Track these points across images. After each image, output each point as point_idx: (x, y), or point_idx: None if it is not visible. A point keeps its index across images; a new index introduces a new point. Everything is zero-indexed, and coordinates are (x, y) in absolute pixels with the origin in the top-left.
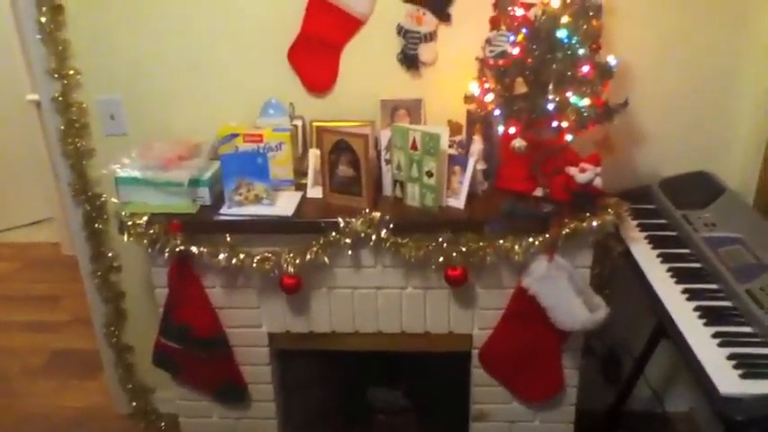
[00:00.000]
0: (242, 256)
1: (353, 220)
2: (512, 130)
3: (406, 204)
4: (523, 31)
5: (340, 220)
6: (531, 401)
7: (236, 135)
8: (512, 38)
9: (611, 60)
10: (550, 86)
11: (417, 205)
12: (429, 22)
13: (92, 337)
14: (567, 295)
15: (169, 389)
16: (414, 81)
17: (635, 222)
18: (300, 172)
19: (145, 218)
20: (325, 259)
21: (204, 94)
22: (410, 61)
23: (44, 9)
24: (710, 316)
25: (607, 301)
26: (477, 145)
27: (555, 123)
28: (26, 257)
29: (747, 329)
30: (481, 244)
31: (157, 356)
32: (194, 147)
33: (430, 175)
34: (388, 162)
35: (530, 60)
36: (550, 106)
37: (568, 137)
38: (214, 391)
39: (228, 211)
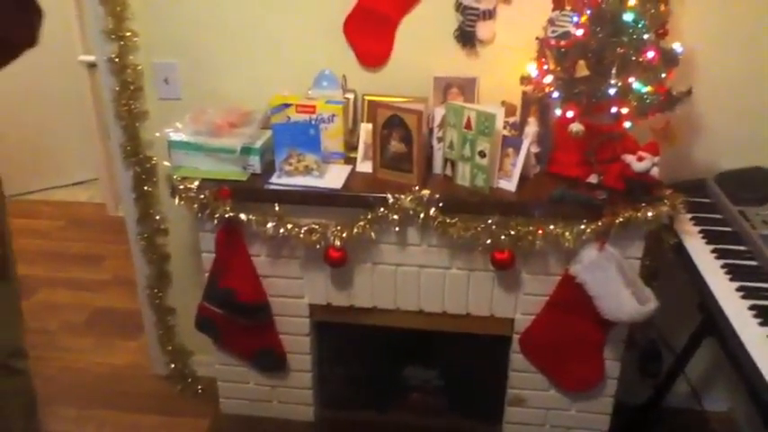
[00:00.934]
0: (289, 226)
1: (402, 196)
2: (569, 114)
3: (456, 184)
4: (588, 12)
5: (389, 195)
6: (570, 391)
7: (288, 105)
8: (576, 19)
9: (678, 47)
10: (613, 71)
11: (468, 185)
12: None
13: (134, 298)
14: (615, 285)
15: (208, 353)
16: (469, 59)
17: (689, 216)
18: (351, 145)
19: (196, 182)
20: (372, 234)
21: (258, 62)
22: (467, 38)
23: None
24: (766, 316)
25: (656, 293)
26: (532, 127)
27: (614, 109)
28: (70, 216)
29: None
30: (531, 228)
31: (200, 321)
32: (246, 114)
33: (483, 155)
34: (440, 140)
35: (593, 43)
36: (612, 91)
37: (627, 124)
38: (253, 358)
39: (278, 181)
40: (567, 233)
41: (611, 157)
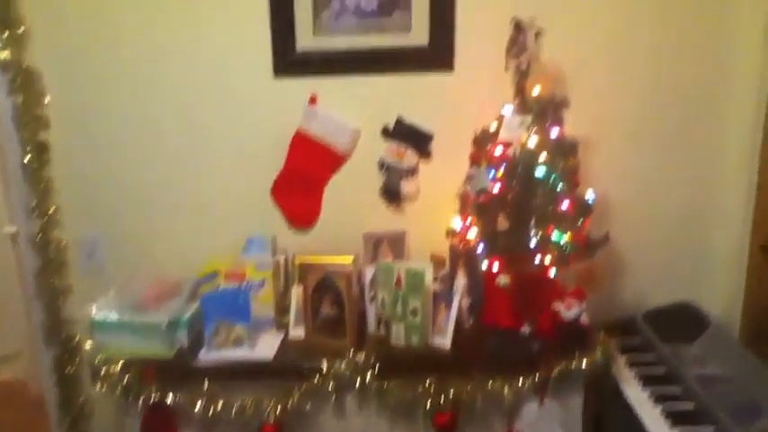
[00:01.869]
0: (220, 404)
1: (337, 363)
2: (495, 267)
3: (392, 343)
4: (503, 167)
5: (323, 364)
6: None
7: (217, 274)
8: (492, 174)
9: (590, 196)
10: (532, 223)
11: (402, 344)
12: (410, 157)
13: None
14: None
15: None
16: (396, 215)
17: (623, 357)
18: (282, 308)
19: (119, 365)
20: (308, 406)
21: (186, 230)
22: (392, 195)
23: (29, 147)
24: None
25: None
26: (462, 280)
27: (538, 259)
28: None
29: None
30: (470, 387)
31: None
32: (174, 285)
33: (415, 313)
34: (372, 299)
35: (510, 197)
36: (533, 242)
37: (552, 272)
38: None
39: (207, 357)
40: (505, 389)
41: (541, 304)
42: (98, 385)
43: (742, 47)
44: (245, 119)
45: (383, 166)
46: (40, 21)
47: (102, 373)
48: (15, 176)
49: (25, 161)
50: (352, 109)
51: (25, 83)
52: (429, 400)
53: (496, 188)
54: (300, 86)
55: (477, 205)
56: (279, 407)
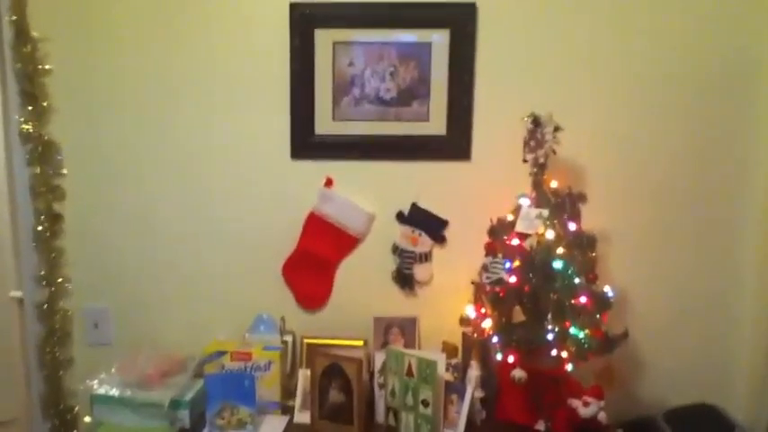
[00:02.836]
0: None
1: None
2: (510, 359)
3: None
4: (519, 259)
5: None
6: None
7: (223, 353)
8: (508, 265)
9: (609, 291)
10: (549, 316)
11: None
12: (424, 242)
13: None
14: None
15: None
16: (408, 299)
17: None
18: (288, 391)
19: None
20: None
21: (194, 305)
22: (405, 280)
23: (42, 217)
24: None
25: None
26: (475, 371)
27: (554, 353)
28: None
29: None
30: None
31: None
32: (179, 362)
33: (426, 404)
34: (382, 386)
35: (527, 289)
36: (550, 336)
37: (569, 367)
38: None
39: None
40: None
41: (557, 401)
42: None
43: (762, 146)
44: (260, 198)
45: (397, 250)
46: (64, 96)
47: None
48: (26, 244)
49: (38, 229)
50: (368, 193)
51: (44, 155)
52: None
53: (513, 279)
54: (317, 169)
55: (493, 296)
56: None
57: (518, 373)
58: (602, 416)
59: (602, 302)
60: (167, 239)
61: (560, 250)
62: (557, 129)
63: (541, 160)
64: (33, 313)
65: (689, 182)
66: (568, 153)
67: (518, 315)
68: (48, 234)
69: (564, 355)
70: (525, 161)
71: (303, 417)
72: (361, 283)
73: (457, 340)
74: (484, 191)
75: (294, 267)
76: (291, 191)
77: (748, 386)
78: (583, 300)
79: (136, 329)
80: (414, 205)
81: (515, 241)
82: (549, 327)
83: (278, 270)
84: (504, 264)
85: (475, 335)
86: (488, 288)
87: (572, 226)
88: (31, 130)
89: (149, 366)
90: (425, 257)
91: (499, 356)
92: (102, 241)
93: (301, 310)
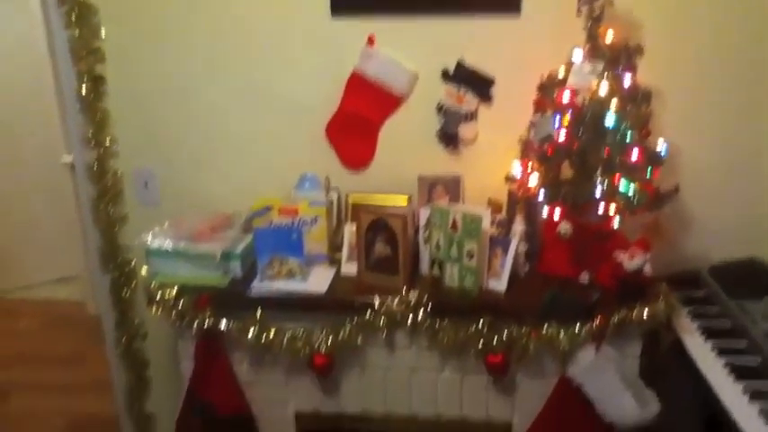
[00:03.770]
0: (272, 333)
1: (389, 300)
2: (556, 215)
3: (445, 285)
4: (570, 115)
5: (375, 300)
6: None
7: (270, 208)
8: (557, 121)
9: (662, 146)
10: (598, 172)
11: (456, 286)
12: (470, 101)
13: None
14: (615, 387)
15: None
16: (452, 158)
17: (685, 310)
18: (335, 245)
19: (174, 290)
20: (359, 340)
21: (240, 166)
22: (449, 139)
23: (85, 79)
24: None
25: (657, 394)
26: (519, 226)
27: (602, 208)
28: (49, 315)
29: None
30: (524, 330)
31: None
32: (227, 218)
33: (470, 256)
34: (426, 240)
35: (576, 145)
36: (598, 192)
37: (616, 221)
38: None
39: (260, 286)
40: (561, 335)
41: (602, 255)
42: (153, 309)
43: None
44: (302, 59)
45: (441, 109)
46: None
47: (158, 298)
48: (72, 107)
49: (82, 92)
50: (412, 51)
51: (81, 16)
52: (481, 341)
53: (562, 136)
54: (358, 27)
55: (541, 153)
56: (330, 339)
57: (564, 227)
58: (647, 268)
59: (653, 158)
60: (209, 102)
61: (614, 105)
62: None
63: (597, 12)
64: (84, 174)
65: (751, 28)
66: (625, 4)
67: (566, 172)
68: (92, 96)
69: (611, 210)
70: (579, 13)
71: (350, 268)
72: (406, 143)
73: (501, 199)
74: (533, 46)
75: (338, 128)
76: (333, 50)
77: None
78: (635, 155)
79: (184, 189)
80: (459, 63)
81: (567, 97)
82: (598, 182)
83: (322, 131)
84: (553, 120)
85: (520, 192)
86: (536, 145)
87: (627, 80)
88: None
89: (199, 222)
90: (471, 116)
91: (545, 212)
92: (145, 103)
93: (345, 170)
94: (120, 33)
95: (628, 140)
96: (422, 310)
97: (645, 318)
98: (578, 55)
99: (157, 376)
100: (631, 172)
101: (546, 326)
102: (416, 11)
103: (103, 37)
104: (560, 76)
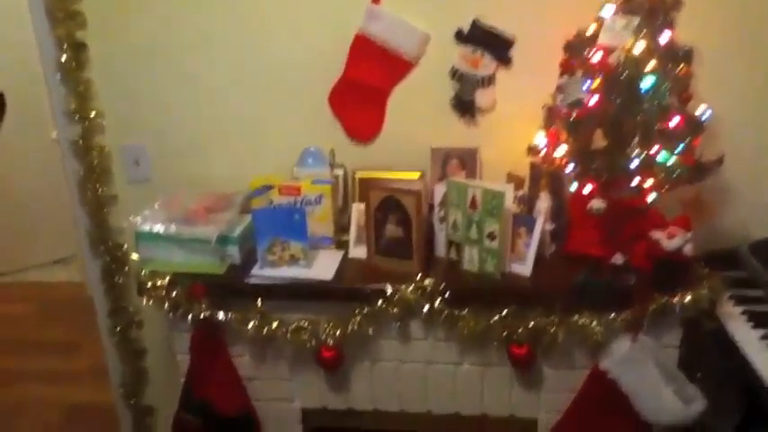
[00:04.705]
0: (275, 324)
1: (403, 287)
2: (587, 189)
3: (463, 269)
4: (601, 77)
5: (387, 287)
6: None
7: (270, 187)
8: (588, 85)
9: (704, 112)
10: (634, 141)
11: (476, 271)
12: (487, 65)
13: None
14: (654, 382)
15: None
16: (468, 129)
17: (727, 294)
18: (341, 226)
19: (166, 279)
20: (370, 331)
21: (236, 141)
22: (465, 107)
23: (65, 46)
24: None
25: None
26: (544, 203)
27: (637, 182)
28: (46, 299)
29: None
30: (551, 319)
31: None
32: (224, 198)
33: (492, 237)
34: (442, 220)
35: (610, 111)
36: (634, 164)
37: (651, 197)
38: None
39: (260, 273)
40: (593, 323)
41: (637, 233)
42: (144, 299)
43: None
44: (300, 19)
45: (455, 74)
46: None
47: (149, 286)
48: (52, 77)
49: (62, 60)
50: (422, 9)
51: None
52: (505, 331)
53: (594, 100)
54: None
55: (570, 120)
56: (338, 330)
57: (596, 204)
58: (687, 248)
59: (695, 125)
60: (201, 71)
61: (650, 65)
62: None
63: None
64: (69, 150)
65: None
66: None
67: (598, 141)
68: (73, 64)
69: (647, 184)
70: None
71: (359, 251)
72: (416, 112)
73: (522, 172)
74: (557, 2)
75: (342, 96)
76: (334, 10)
77: None
78: (674, 122)
79: (177, 167)
80: (474, 22)
81: (598, 56)
82: (634, 153)
83: (324, 100)
84: (583, 83)
85: (545, 165)
86: (564, 111)
87: (665, 37)
88: None
89: (193, 202)
90: (488, 81)
91: (574, 187)
92: (132, 75)
93: (352, 142)
94: None
95: (667, 105)
96: (438, 297)
97: (687, 303)
98: (609, 9)
99: (156, 367)
100: (670, 141)
101: (576, 315)
102: None
103: None
104: (589, 33)
